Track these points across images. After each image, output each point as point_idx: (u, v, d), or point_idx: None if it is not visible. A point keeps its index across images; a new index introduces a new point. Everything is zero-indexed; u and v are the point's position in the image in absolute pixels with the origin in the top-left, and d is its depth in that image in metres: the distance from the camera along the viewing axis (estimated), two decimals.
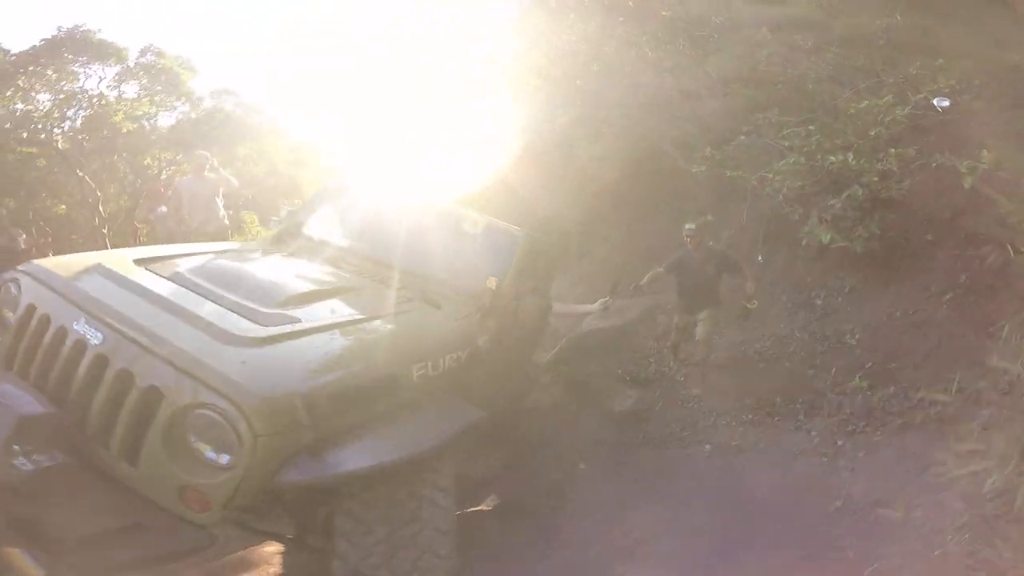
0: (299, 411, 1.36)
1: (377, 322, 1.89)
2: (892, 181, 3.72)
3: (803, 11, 5.82)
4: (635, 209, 6.09)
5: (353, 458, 1.44)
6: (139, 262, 1.99)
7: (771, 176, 4.19)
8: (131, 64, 7.94)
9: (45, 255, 4.33)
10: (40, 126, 7.08)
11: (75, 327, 1.57)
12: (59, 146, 7.21)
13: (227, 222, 4.79)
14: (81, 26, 7.71)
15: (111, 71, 8.07)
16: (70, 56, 7.57)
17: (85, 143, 7.49)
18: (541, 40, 6.09)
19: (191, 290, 1.79)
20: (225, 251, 2.46)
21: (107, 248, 7.35)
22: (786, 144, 4.25)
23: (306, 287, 2.01)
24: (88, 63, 7.80)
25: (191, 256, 2.21)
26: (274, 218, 3.12)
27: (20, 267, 1.85)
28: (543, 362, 4.90)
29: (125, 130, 7.49)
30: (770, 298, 4.53)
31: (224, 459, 1.36)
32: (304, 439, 1.38)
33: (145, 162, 7.92)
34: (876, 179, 3.67)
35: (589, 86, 5.97)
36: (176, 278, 1.88)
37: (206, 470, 1.40)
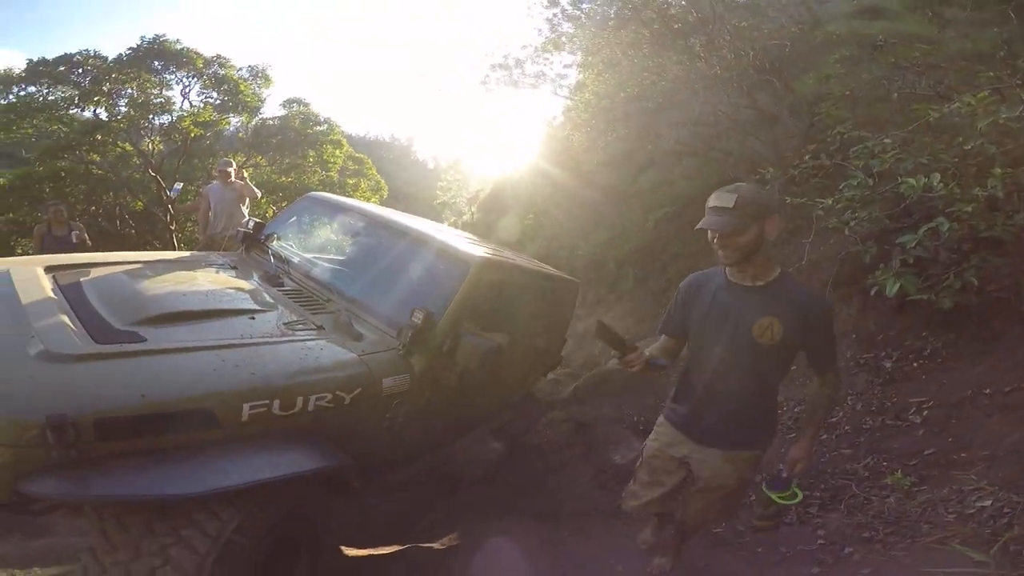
0: (45, 434, 1.42)
1: (236, 351, 1.91)
2: (998, 213, 2.95)
3: (909, 26, 5.22)
4: (700, 238, 5.84)
5: (108, 484, 1.48)
6: (51, 268, 2.24)
7: (832, 204, 3.68)
8: (202, 74, 9.21)
9: (95, 248, 5.09)
10: (124, 128, 8.42)
11: None
12: (140, 148, 8.51)
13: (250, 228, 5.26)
14: (162, 36, 9.08)
15: (185, 79, 9.40)
16: (156, 64, 8.92)
17: (161, 146, 8.75)
18: (606, 66, 6.12)
19: (66, 300, 1.96)
20: (149, 262, 2.66)
21: (174, 244, 8.48)
22: (859, 163, 3.69)
23: (183, 305, 2.08)
24: (166, 71, 9.15)
25: (104, 265, 2.42)
26: (240, 228, 3.33)
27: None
28: (562, 396, 4.80)
29: (193, 135, 8.64)
30: None
31: None
32: (53, 457, 1.45)
33: (210, 163, 9.06)
34: (971, 209, 2.89)
35: (651, 108, 5.86)
36: (66, 287, 2.08)
37: None
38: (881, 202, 3.54)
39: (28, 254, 5.67)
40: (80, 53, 8.62)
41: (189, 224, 8.60)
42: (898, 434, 3.02)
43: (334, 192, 9.72)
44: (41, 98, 8.57)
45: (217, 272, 2.70)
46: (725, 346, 1.74)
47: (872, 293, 3.43)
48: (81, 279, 2.20)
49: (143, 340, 1.82)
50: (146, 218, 8.70)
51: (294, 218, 3.45)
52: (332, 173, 9.83)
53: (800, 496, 1.82)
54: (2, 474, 1.45)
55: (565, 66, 8.68)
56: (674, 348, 1.95)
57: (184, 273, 2.51)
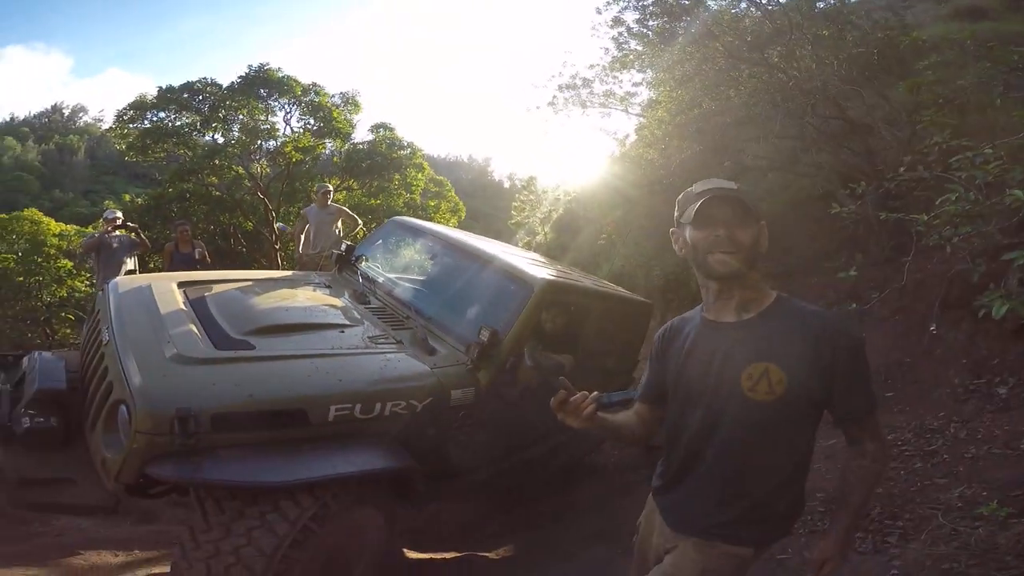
0: (169, 425, 1.75)
1: (327, 360, 2.17)
2: None
3: (1013, 26, 4.74)
4: (792, 254, 5.61)
5: (216, 470, 1.77)
6: (183, 284, 2.67)
7: (931, 219, 3.43)
8: (299, 101, 10.22)
9: (213, 264, 5.81)
10: (237, 153, 9.52)
11: (105, 329, 2.26)
12: (250, 171, 9.56)
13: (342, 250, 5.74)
14: (266, 65, 10.17)
15: (286, 106, 10.43)
16: (261, 92, 10.01)
17: (268, 170, 9.77)
18: (678, 83, 6.09)
19: (193, 312, 2.35)
20: (264, 280, 3.07)
21: (278, 261, 9.38)
22: (961, 175, 3.42)
23: (286, 319, 2.41)
24: (270, 98, 10.21)
25: (229, 282, 2.84)
26: (334, 251, 3.71)
27: (109, 282, 2.67)
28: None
29: (294, 160, 9.58)
30: (935, 378, 3.73)
31: (122, 444, 1.83)
32: (175, 445, 1.75)
33: (313, 188, 9.95)
34: None
35: (728, 123, 5.74)
36: (194, 301, 2.48)
37: (113, 449, 1.89)
38: (992, 216, 3.26)
39: (160, 269, 6.56)
40: (200, 81, 9.89)
41: (291, 245, 9.50)
42: (1004, 464, 2.77)
43: (416, 214, 10.37)
44: (169, 123, 9.87)
45: (314, 290, 3.04)
46: (706, 407, 1.29)
47: (980, 315, 3.15)
48: (205, 294, 2.60)
49: (253, 348, 2.14)
50: (255, 237, 9.74)
51: (380, 241, 3.77)
52: (415, 195, 10.45)
53: None
54: (135, 458, 1.79)
55: (634, 84, 8.70)
56: (649, 417, 1.46)
57: (287, 290, 2.86)
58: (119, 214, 6.06)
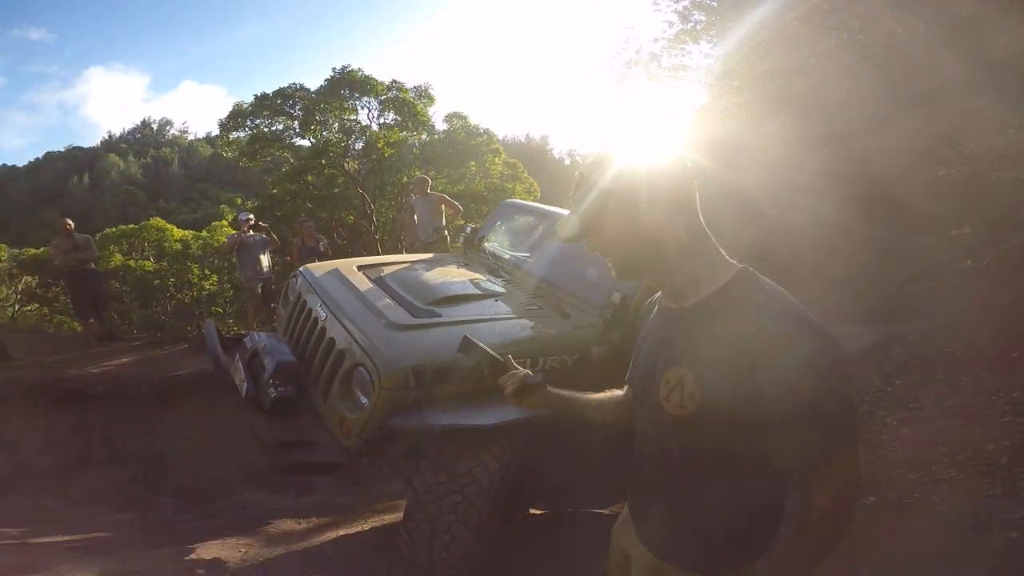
0: (409, 379, 2.17)
1: (497, 322, 2.66)
2: None
3: None
4: (892, 220, 5.48)
5: (438, 418, 2.15)
6: (360, 267, 3.25)
7: None
8: (383, 98, 10.88)
9: (334, 256, 6.56)
10: (333, 152, 10.34)
11: (316, 308, 2.77)
12: (346, 167, 10.38)
13: (445, 234, 6.34)
14: (348, 66, 10.87)
15: (369, 104, 11.11)
16: (345, 93, 10.74)
17: (363, 166, 10.56)
18: (754, 52, 6.05)
19: (382, 289, 2.90)
20: (418, 261, 3.62)
21: (378, 251, 10.17)
22: None
23: (457, 292, 2.90)
24: (357, 98, 10.90)
25: (393, 264, 3.40)
26: (462, 234, 4.22)
27: (300, 268, 3.28)
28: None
29: (387, 154, 10.28)
30: None
31: (364, 402, 2.26)
32: (408, 399, 2.15)
33: (403, 180, 10.66)
34: None
35: (815, 86, 5.66)
36: (377, 280, 3.04)
37: (355, 409, 2.31)
38: None
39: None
40: (290, 86, 10.75)
41: (386, 237, 10.24)
42: None
43: (497, 196, 10.84)
44: (266, 128, 10.81)
45: (459, 268, 3.55)
46: (644, 415, 1.11)
47: None
48: (381, 274, 3.16)
49: (439, 316, 2.64)
50: (354, 229, 10.58)
51: (499, 222, 4.25)
52: (494, 179, 10.92)
53: None
54: (378, 414, 2.18)
55: (705, 56, 8.60)
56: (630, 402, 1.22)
57: (442, 268, 3.39)
58: (251, 216, 6.94)
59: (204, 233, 14.58)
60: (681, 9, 8.10)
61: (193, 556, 3.01)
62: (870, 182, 5.76)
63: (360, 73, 10.73)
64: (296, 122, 10.66)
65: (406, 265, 3.45)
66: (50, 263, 12.55)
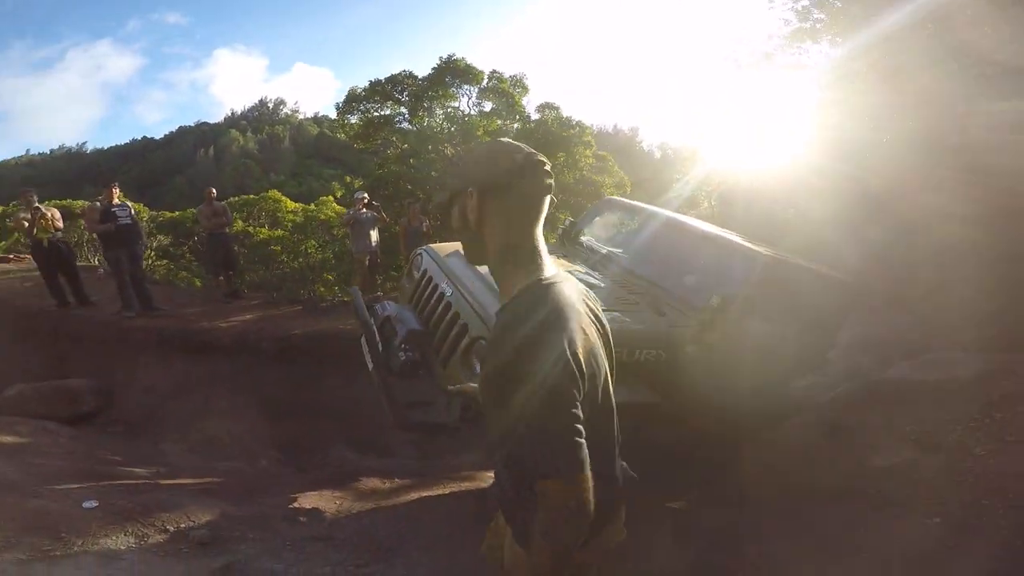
0: None
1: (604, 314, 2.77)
2: None
3: None
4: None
5: None
6: None
7: None
8: (483, 86, 11.17)
9: (434, 238, 6.94)
10: (439, 138, 10.79)
11: (442, 284, 3.05)
12: (446, 152, 10.81)
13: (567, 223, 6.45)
14: (453, 55, 11.24)
15: (473, 91, 11.42)
16: (449, 81, 11.12)
17: (460, 152, 10.95)
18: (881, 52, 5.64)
19: None
20: None
21: None
22: None
23: None
24: (458, 86, 11.24)
25: None
26: (560, 227, 4.36)
27: (424, 247, 3.57)
28: (817, 400, 4.69)
29: (484, 142, 10.56)
30: None
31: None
32: None
33: None
34: None
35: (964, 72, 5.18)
36: None
37: (474, 377, 2.53)
38: None
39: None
40: (401, 73, 11.31)
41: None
42: None
43: (586, 190, 10.83)
44: (377, 114, 11.46)
45: (558, 258, 3.70)
46: None
47: None
48: None
49: None
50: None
51: (597, 217, 4.34)
52: (584, 171, 10.91)
53: None
54: None
55: (825, 56, 8.13)
56: None
57: (551, 259, 3.52)
58: (365, 195, 7.50)
59: (312, 207, 15.78)
60: (800, 8, 7.67)
61: (296, 504, 3.41)
62: (1001, 196, 5.20)
63: (463, 62, 11.11)
64: (404, 108, 11.24)
65: None
66: (182, 225, 14.26)
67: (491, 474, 4.20)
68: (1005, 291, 4.63)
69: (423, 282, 3.32)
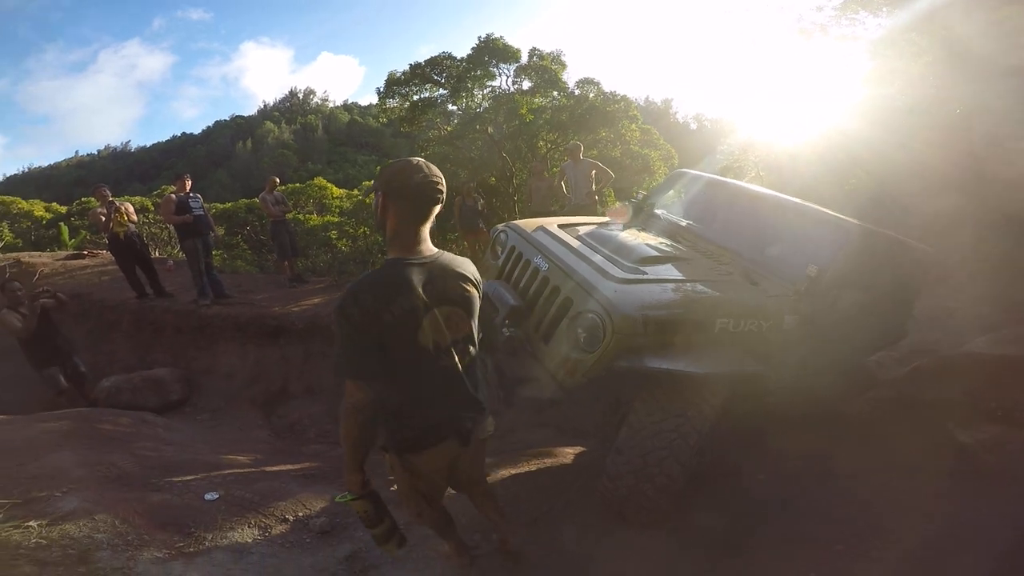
0: (639, 326, 2.37)
1: (697, 284, 2.73)
2: None
3: None
4: None
5: (658, 362, 2.35)
6: (561, 227, 3.47)
7: None
8: (523, 63, 10.95)
9: (489, 214, 6.93)
10: (485, 118, 10.71)
11: (535, 260, 3.03)
12: (488, 132, 10.73)
13: (596, 198, 6.44)
14: (492, 34, 11.06)
15: (511, 69, 11.23)
16: (489, 60, 10.97)
17: (506, 129, 10.85)
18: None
19: (587, 246, 3.09)
20: (602, 223, 3.78)
21: (516, 212, 10.55)
22: None
23: (652, 253, 3.02)
24: (498, 64, 11.08)
25: (586, 225, 3.61)
26: (632, 199, 4.28)
27: (505, 224, 3.57)
28: (884, 376, 4.52)
29: (528, 120, 10.44)
30: None
31: (593, 345, 2.46)
32: (635, 344, 2.36)
33: (538, 144, 10.80)
34: None
35: None
36: (579, 238, 3.25)
37: (581, 351, 2.51)
38: None
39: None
40: (441, 55, 11.24)
41: (521, 199, 10.53)
42: None
43: (635, 163, 10.60)
44: (417, 97, 11.43)
45: (639, 231, 3.65)
46: None
47: None
48: (579, 233, 3.35)
49: (646, 273, 2.78)
50: (495, 190, 11.01)
51: (671, 191, 4.25)
52: (632, 145, 10.66)
53: (349, 497, 1.71)
54: (608, 356, 2.39)
55: (878, 26, 7.61)
56: None
57: (627, 232, 3.51)
58: None
59: (356, 192, 16.00)
60: None
61: (394, 489, 3.47)
62: None
63: (502, 41, 10.95)
64: (446, 90, 11.18)
65: (595, 226, 3.64)
66: (235, 215, 14.70)
67: (569, 449, 4.29)
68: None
69: (512, 258, 3.32)
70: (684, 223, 3.83)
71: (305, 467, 4.01)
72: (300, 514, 2.91)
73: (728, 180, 4.10)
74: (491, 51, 11.05)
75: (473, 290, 1.71)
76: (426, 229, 1.64)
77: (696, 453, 2.45)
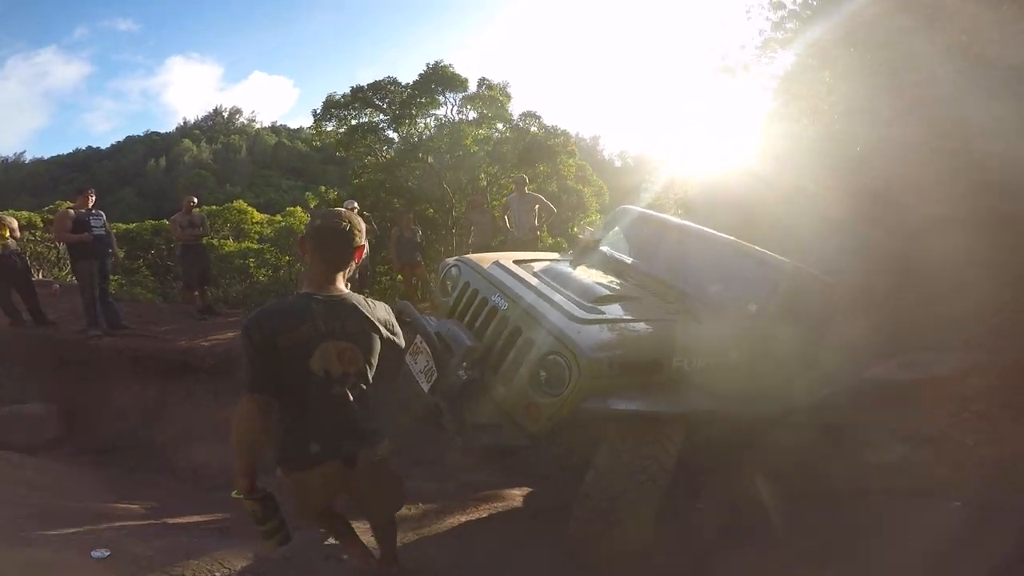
0: (604, 367, 2.29)
1: (652, 324, 2.70)
2: None
3: None
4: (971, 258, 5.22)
5: (623, 404, 2.30)
6: (516, 262, 3.33)
7: None
8: (470, 93, 11.05)
9: (430, 247, 6.70)
10: (428, 146, 10.58)
11: (493, 298, 2.87)
12: (429, 161, 10.59)
13: (537, 233, 6.43)
14: (441, 62, 11.12)
15: (458, 98, 11.28)
16: (436, 87, 10.96)
17: (448, 160, 10.76)
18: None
19: (545, 284, 2.98)
20: (555, 260, 3.69)
21: (454, 246, 10.36)
22: None
23: (605, 292, 2.97)
24: (444, 92, 11.10)
25: (539, 261, 3.53)
26: (580, 235, 4.25)
27: (457, 258, 3.38)
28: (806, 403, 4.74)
29: (472, 151, 10.45)
30: None
31: (557, 389, 2.37)
32: (600, 386, 2.29)
33: (479, 176, 10.80)
34: None
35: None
36: (536, 275, 3.13)
37: (545, 395, 2.42)
38: None
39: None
40: (385, 79, 11.08)
41: (460, 232, 10.36)
42: None
43: (570, 199, 10.84)
44: (355, 121, 11.10)
45: (588, 268, 3.58)
46: None
47: None
48: (536, 269, 3.22)
49: (604, 313, 2.68)
50: (432, 222, 10.79)
51: (616, 227, 4.26)
52: (569, 181, 10.91)
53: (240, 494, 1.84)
54: (573, 399, 2.32)
55: (792, 64, 8.41)
56: None
57: (580, 269, 3.43)
58: (355, 204, 7.19)
59: (278, 217, 15.13)
60: (777, 19, 7.94)
61: (329, 540, 3.10)
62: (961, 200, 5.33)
63: (450, 69, 11.00)
64: (387, 115, 10.96)
65: (548, 263, 3.55)
66: (140, 238, 13.37)
67: (517, 491, 4.06)
68: (961, 294, 4.79)
69: (467, 295, 3.14)
70: (629, 260, 3.82)
71: (217, 519, 3.51)
72: (218, 574, 2.45)
73: (672, 218, 4.18)
74: (439, 78, 11.05)
75: (375, 332, 1.87)
76: (339, 271, 1.83)
77: (664, 493, 2.39)
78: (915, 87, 5.58)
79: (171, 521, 3.22)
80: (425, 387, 2.83)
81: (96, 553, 2.39)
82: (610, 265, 3.80)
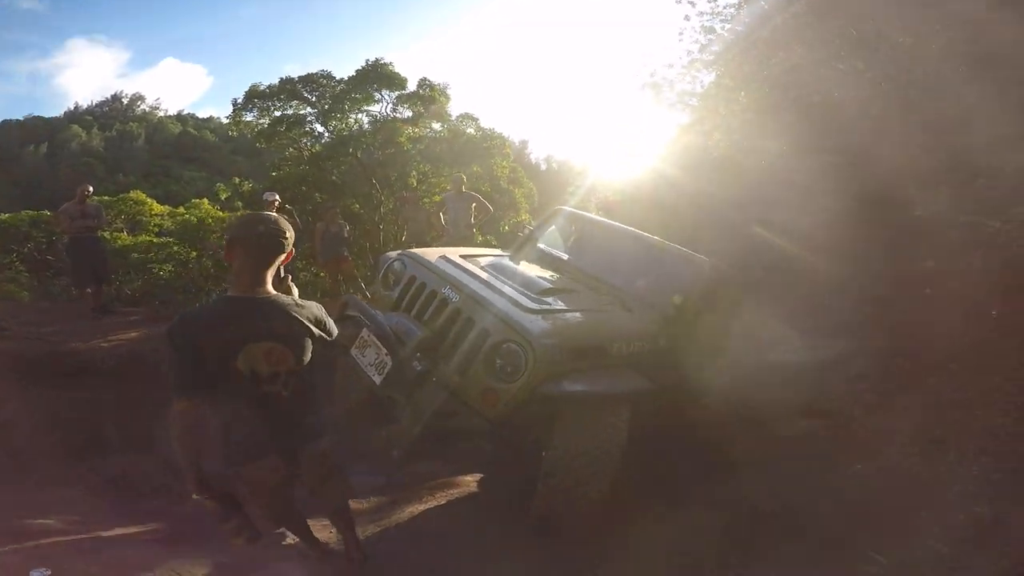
0: (557, 353, 2.46)
1: (591, 313, 2.93)
2: None
3: None
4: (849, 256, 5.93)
5: (576, 386, 2.49)
6: (463, 256, 3.40)
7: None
8: (408, 92, 10.91)
9: (355, 242, 6.53)
10: (360, 142, 10.28)
11: (443, 290, 2.91)
12: (358, 156, 10.30)
13: (473, 231, 6.50)
14: (381, 59, 10.91)
15: (394, 96, 11.09)
16: (372, 85, 10.72)
17: (380, 156, 10.52)
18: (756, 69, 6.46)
19: (494, 277, 3.09)
20: (498, 255, 3.81)
21: (381, 241, 10.14)
22: None
23: (548, 285, 3.17)
24: (380, 90, 10.88)
25: (484, 257, 3.62)
26: (519, 233, 4.39)
27: (402, 252, 3.38)
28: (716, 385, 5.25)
29: (406, 148, 10.32)
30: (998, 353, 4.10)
31: (514, 376, 2.50)
32: (554, 371, 2.45)
33: (411, 174, 10.67)
34: None
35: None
36: (484, 269, 3.23)
37: (501, 381, 2.54)
38: None
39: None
40: (319, 73, 10.64)
41: (385, 228, 10.13)
42: None
43: (502, 199, 10.96)
44: (280, 113, 10.54)
45: (530, 264, 3.73)
46: None
47: None
48: (483, 264, 3.30)
49: (550, 304, 2.84)
50: (357, 218, 10.47)
51: (552, 227, 4.44)
52: (502, 182, 11.06)
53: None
54: (529, 384, 2.45)
55: (710, 83, 9.13)
56: None
57: (523, 265, 3.57)
58: (276, 197, 6.83)
59: (181, 209, 14.00)
60: (706, 42, 8.56)
61: (290, 540, 2.98)
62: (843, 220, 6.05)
63: (390, 67, 10.85)
64: (317, 109, 10.52)
65: (493, 258, 3.67)
66: (14, 228, 11.81)
67: (469, 477, 4.11)
68: (840, 287, 5.49)
69: (413, 289, 3.15)
70: (565, 257, 4.02)
71: (155, 528, 3.29)
72: None
73: (602, 219, 4.43)
74: (377, 76, 10.78)
75: (304, 332, 1.91)
76: (266, 273, 1.85)
77: (618, 466, 2.60)
78: (813, 104, 6.21)
79: (105, 535, 2.96)
80: (377, 380, 2.84)
81: (36, 573, 2.15)
82: (547, 261, 3.97)
